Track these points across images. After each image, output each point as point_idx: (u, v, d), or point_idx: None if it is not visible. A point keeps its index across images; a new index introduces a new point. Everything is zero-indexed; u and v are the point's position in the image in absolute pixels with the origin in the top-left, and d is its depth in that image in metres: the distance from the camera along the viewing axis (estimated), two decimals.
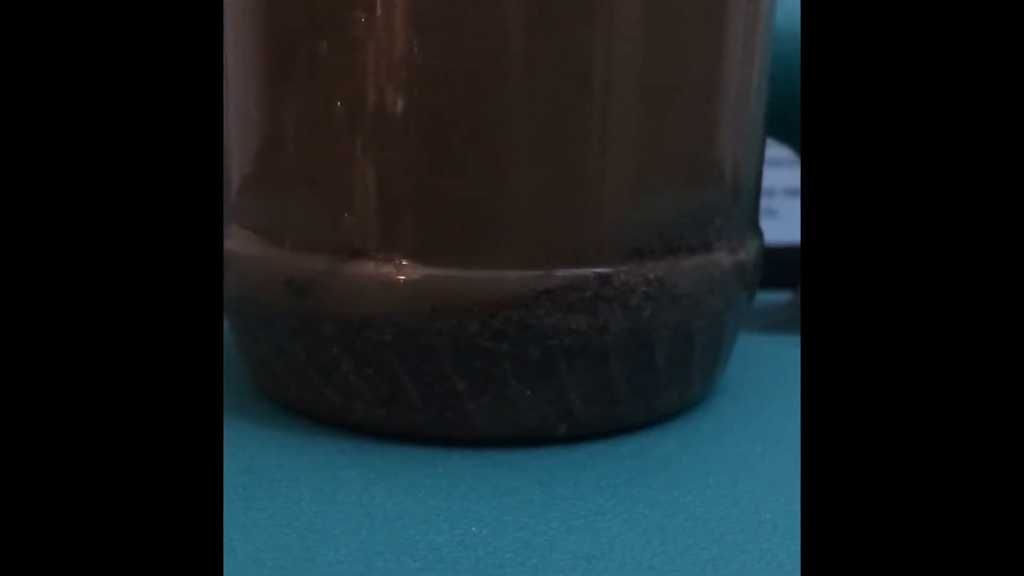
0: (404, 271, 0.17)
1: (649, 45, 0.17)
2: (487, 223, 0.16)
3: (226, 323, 0.19)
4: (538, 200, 0.16)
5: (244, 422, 0.18)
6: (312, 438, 0.18)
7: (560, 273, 0.17)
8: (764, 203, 0.40)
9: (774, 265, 0.38)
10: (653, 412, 0.18)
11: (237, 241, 0.18)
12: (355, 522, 0.15)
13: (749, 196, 0.19)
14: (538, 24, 0.16)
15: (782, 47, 0.26)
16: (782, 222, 0.40)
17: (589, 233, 0.17)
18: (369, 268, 0.17)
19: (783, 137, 0.28)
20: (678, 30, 0.17)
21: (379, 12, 0.16)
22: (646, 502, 0.16)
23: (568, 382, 0.17)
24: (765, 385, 0.21)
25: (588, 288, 0.17)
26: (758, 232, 0.20)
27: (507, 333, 0.17)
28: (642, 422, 0.18)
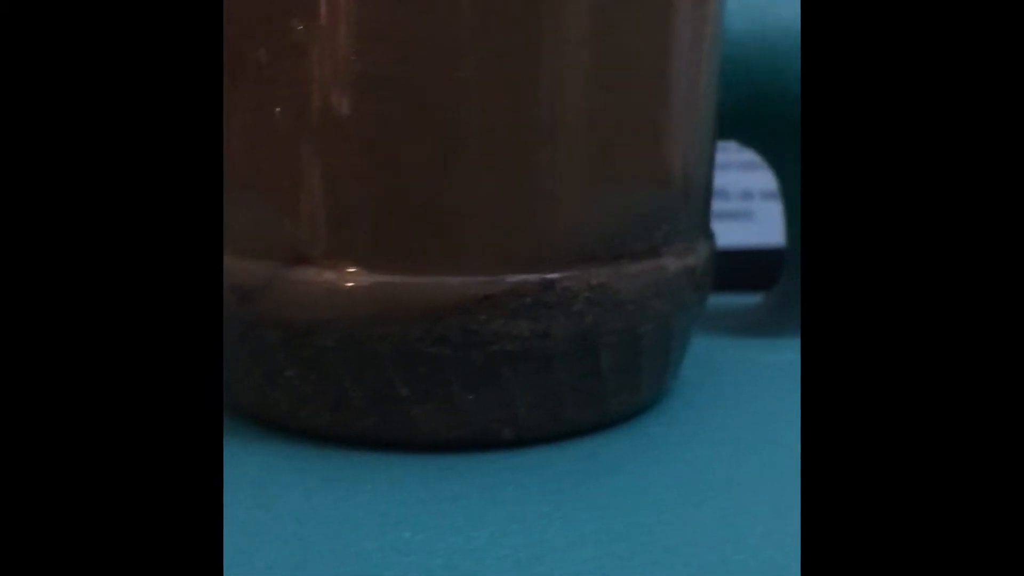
0: (347, 277, 0.17)
1: (595, 50, 0.17)
2: (430, 230, 0.16)
3: None
4: (481, 207, 0.16)
5: None
6: (259, 443, 0.18)
7: (502, 279, 0.17)
8: (741, 206, 0.40)
9: (751, 267, 0.39)
10: (601, 417, 0.19)
11: None
12: (289, 529, 0.15)
13: (699, 200, 0.19)
14: (482, 31, 0.16)
15: (746, 52, 0.26)
16: (759, 225, 0.40)
17: (532, 240, 0.17)
18: (312, 274, 0.17)
19: (749, 141, 0.28)
20: (624, 35, 0.17)
21: (320, 19, 0.16)
22: (586, 507, 0.16)
23: (512, 387, 0.17)
24: (723, 388, 0.21)
25: (529, 294, 0.17)
26: (709, 235, 0.20)
27: (449, 339, 0.17)
28: (590, 427, 0.18)
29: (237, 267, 0.17)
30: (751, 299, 0.31)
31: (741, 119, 0.26)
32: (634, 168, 0.18)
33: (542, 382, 0.17)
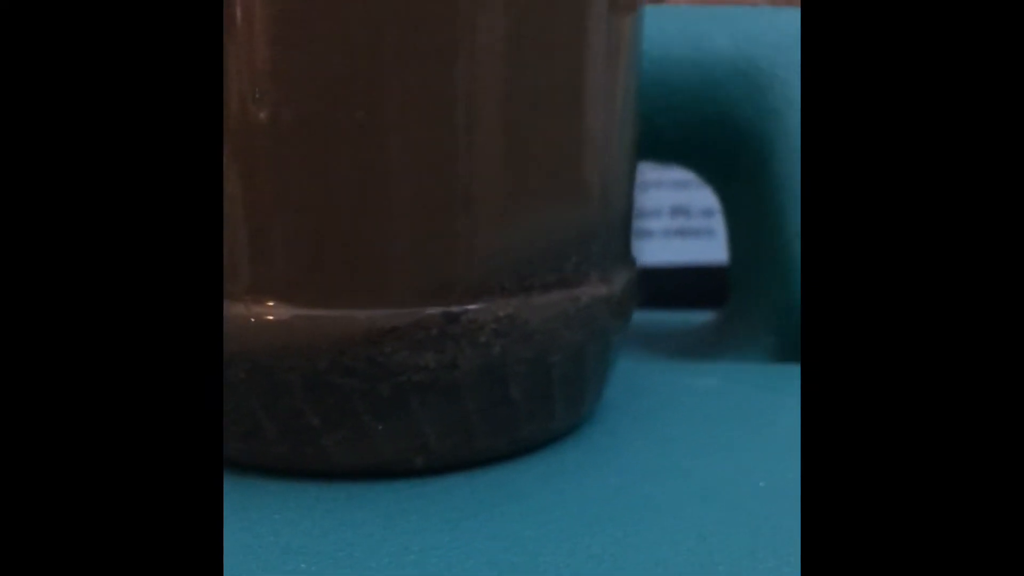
0: (255, 311, 0.17)
1: (508, 83, 0.17)
2: (334, 264, 0.17)
3: None
4: (389, 241, 0.17)
5: None
6: None
7: (406, 311, 0.17)
8: (703, 223, 0.40)
9: (711, 284, 0.39)
10: (514, 444, 0.19)
11: None
12: None
13: (616, 227, 0.20)
14: (394, 69, 0.16)
15: (685, 77, 0.26)
16: (720, 242, 0.40)
17: (439, 272, 0.17)
18: (227, 308, 0.17)
19: (692, 165, 0.28)
20: (538, 69, 0.17)
21: (237, 58, 0.17)
22: (486, 536, 0.16)
23: (421, 417, 0.18)
24: (646, 413, 0.21)
25: (434, 326, 0.17)
26: (629, 261, 0.21)
27: (357, 370, 0.17)
28: (503, 454, 0.19)
29: None
30: (706, 316, 0.32)
31: (682, 144, 0.27)
32: (546, 201, 0.18)
33: (451, 412, 0.18)
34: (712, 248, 0.40)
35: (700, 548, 0.16)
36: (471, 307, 0.17)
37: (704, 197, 0.40)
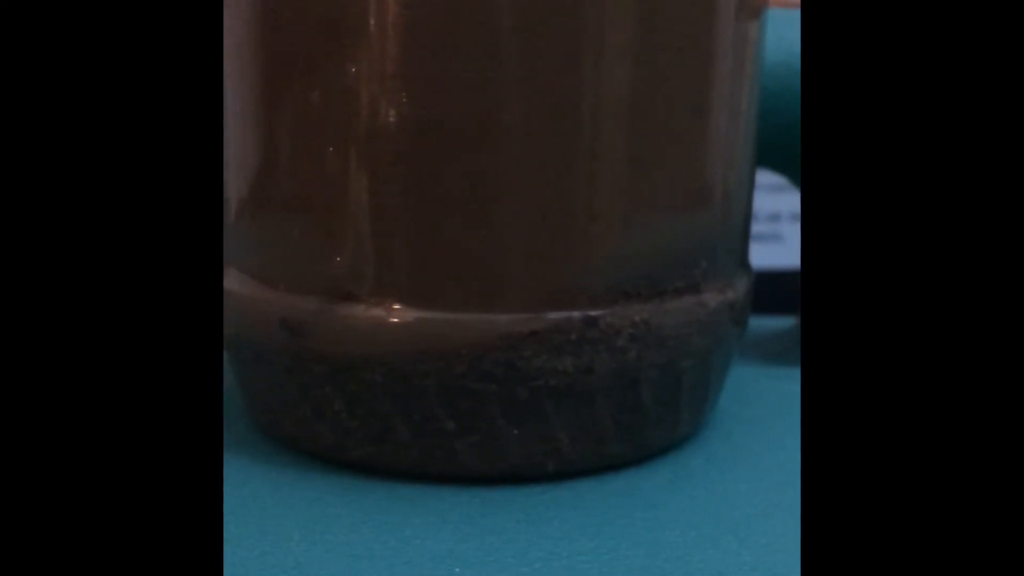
0: (394, 314, 0.17)
1: (633, 89, 0.17)
2: (475, 268, 0.17)
3: (225, 357, 0.20)
4: (525, 245, 0.17)
5: (240, 456, 0.19)
6: (305, 474, 0.18)
7: (546, 316, 0.17)
8: (769, 228, 0.40)
9: (779, 290, 0.39)
10: (641, 450, 0.19)
11: (233, 280, 0.19)
12: (341, 563, 0.15)
13: (737, 236, 0.19)
14: (523, 75, 0.16)
15: (778, 82, 0.26)
16: (787, 247, 0.40)
17: (575, 277, 0.17)
18: (360, 311, 0.17)
19: (782, 168, 0.28)
20: (663, 77, 0.17)
21: (369, 65, 0.16)
22: (629, 542, 0.16)
23: (555, 421, 0.17)
24: (758, 420, 0.21)
25: (574, 331, 0.17)
26: (747, 269, 0.20)
27: (494, 375, 0.17)
28: (630, 459, 0.19)
29: (286, 301, 0.18)
30: (781, 322, 0.32)
31: (773, 147, 0.27)
32: (674, 206, 0.18)
33: (584, 416, 0.18)
34: (779, 253, 0.40)
35: None
36: (609, 311, 0.17)
37: (771, 202, 0.40)
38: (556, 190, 0.17)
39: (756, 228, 0.41)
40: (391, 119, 0.17)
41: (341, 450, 0.18)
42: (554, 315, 0.17)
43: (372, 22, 0.17)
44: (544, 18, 0.16)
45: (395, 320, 0.17)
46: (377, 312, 0.17)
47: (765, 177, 0.36)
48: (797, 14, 0.27)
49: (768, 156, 0.27)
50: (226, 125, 0.18)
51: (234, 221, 0.19)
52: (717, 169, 0.18)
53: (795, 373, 0.25)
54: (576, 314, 0.17)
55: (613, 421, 0.18)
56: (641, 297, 0.17)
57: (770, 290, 0.40)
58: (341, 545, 0.16)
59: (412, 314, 0.17)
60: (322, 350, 0.17)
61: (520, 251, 0.17)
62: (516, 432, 0.17)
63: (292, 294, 0.18)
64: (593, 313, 0.17)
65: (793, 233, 0.40)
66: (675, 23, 0.17)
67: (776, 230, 0.40)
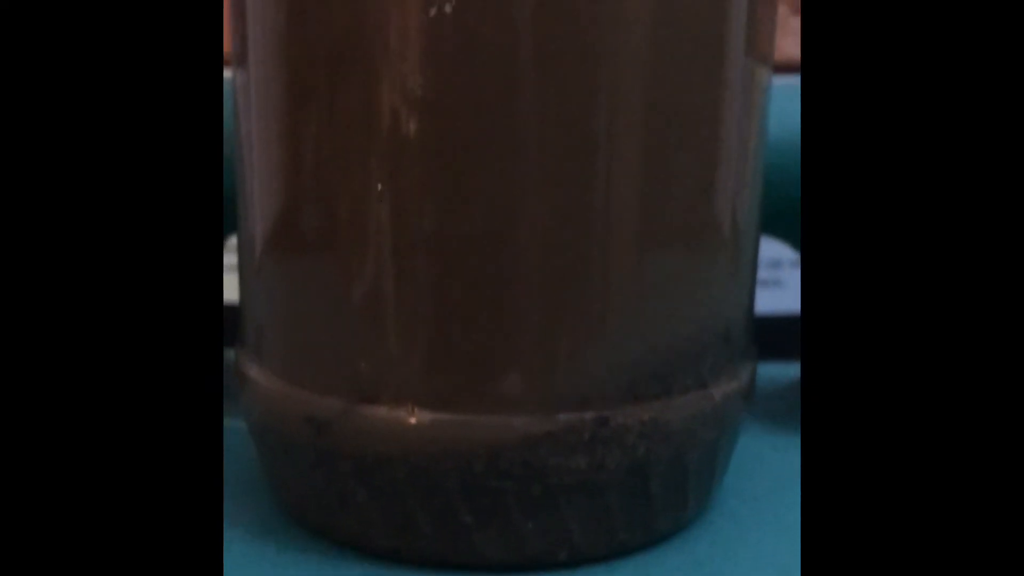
0: (415, 415, 0.18)
1: (643, 200, 0.18)
2: (491, 373, 0.18)
3: (253, 443, 0.21)
4: (539, 352, 0.18)
5: (265, 541, 0.20)
6: (328, 561, 0.19)
7: (561, 417, 0.18)
8: (770, 274, 0.41)
9: (780, 334, 0.39)
10: (650, 535, 0.20)
11: (262, 374, 0.19)
12: None
13: (742, 330, 0.20)
14: (536, 191, 0.17)
15: (781, 157, 0.27)
16: (788, 291, 0.41)
17: (588, 380, 0.18)
18: (383, 412, 0.18)
19: (782, 236, 0.29)
20: (671, 181, 0.18)
21: (391, 179, 0.17)
22: None
23: (568, 514, 0.18)
24: (762, 497, 0.22)
25: (586, 431, 0.18)
26: (752, 351, 0.21)
27: (511, 472, 0.18)
28: (639, 545, 0.20)
29: (314, 401, 0.18)
30: (784, 369, 0.32)
31: (776, 219, 0.27)
32: (683, 311, 0.19)
33: (596, 508, 0.19)
34: (780, 298, 0.41)
35: None
36: (619, 412, 0.18)
37: (770, 249, 0.40)
38: (570, 300, 0.18)
39: (759, 274, 0.42)
40: (412, 234, 0.17)
41: (365, 538, 0.19)
42: (567, 416, 0.18)
43: (392, 143, 0.17)
44: (558, 151, 0.17)
45: (415, 421, 0.18)
46: (399, 414, 0.18)
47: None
48: (788, 89, 0.28)
49: (771, 226, 0.28)
50: (254, 230, 0.19)
51: (264, 322, 0.20)
52: (724, 279, 0.19)
53: (796, 440, 0.26)
54: (588, 415, 0.18)
55: (623, 511, 0.19)
56: (650, 396, 0.18)
57: (772, 335, 0.41)
58: None
59: (432, 416, 0.18)
60: (347, 448, 0.18)
61: (534, 357, 0.18)
62: (531, 525, 0.18)
63: (318, 394, 0.18)
64: (605, 414, 0.18)
65: (793, 279, 0.40)
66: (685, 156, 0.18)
67: (777, 276, 0.41)
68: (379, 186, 0.17)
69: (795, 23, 0.38)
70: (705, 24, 0.18)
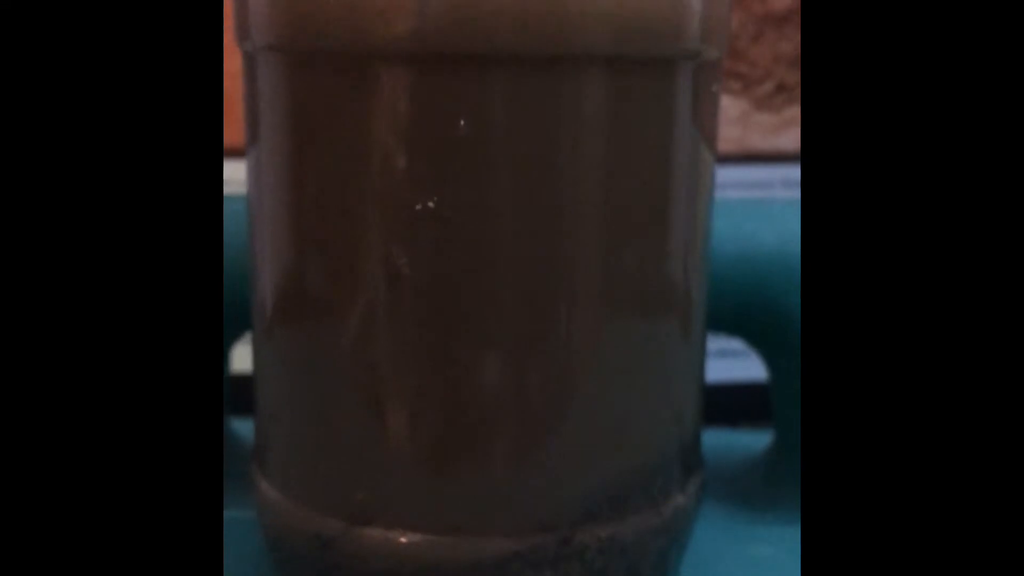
0: (406, 536, 0.21)
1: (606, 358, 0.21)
2: (469, 503, 0.21)
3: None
4: (510, 485, 0.21)
5: None
6: None
7: (527, 538, 0.21)
8: (735, 344, 0.44)
9: (745, 400, 0.42)
10: None
11: (272, 491, 0.23)
12: None
13: (689, 451, 0.23)
14: (511, 351, 0.20)
15: (736, 268, 0.30)
16: (752, 360, 0.44)
17: (552, 507, 0.21)
18: (377, 533, 0.21)
19: (742, 336, 0.32)
20: (628, 333, 0.21)
21: (383, 342, 0.20)
22: None
23: None
24: None
25: (551, 549, 0.21)
26: (699, 463, 0.24)
27: None
28: None
29: (319, 520, 0.22)
30: (751, 439, 0.35)
31: (734, 321, 0.31)
32: (635, 447, 0.22)
33: None
34: (744, 367, 0.44)
35: None
36: (579, 531, 0.21)
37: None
38: (535, 444, 0.21)
39: (730, 344, 0.45)
40: (392, 394, 0.21)
41: None
42: (534, 538, 0.21)
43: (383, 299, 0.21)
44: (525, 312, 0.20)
45: (405, 541, 0.21)
46: (392, 535, 0.21)
47: None
48: (757, 206, 0.31)
49: (729, 326, 0.31)
50: (259, 365, 0.22)
51: (271, 444, 0.23)
52: (672, 411, 0.22)
53: (759, 532, 0.29)
54: (551, 536, 0.21)
55: None
56: (606, 517, 0.21)
57: (736, 401, 0.44)
58: None
59: (420, 537, 0.21)
60: (348, 563, 0.21)
61: (506, 490, 0.21)
62: None
63: (324, 514, 0.22)
64: (567, 534, 0.21)
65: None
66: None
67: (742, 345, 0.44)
68: (363, 348, 0.20)
69: (758, 117, 0.41)
70: (655, 164, 0.21)
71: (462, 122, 0.19)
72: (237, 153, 0.24)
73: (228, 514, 0.24)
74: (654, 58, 0.21)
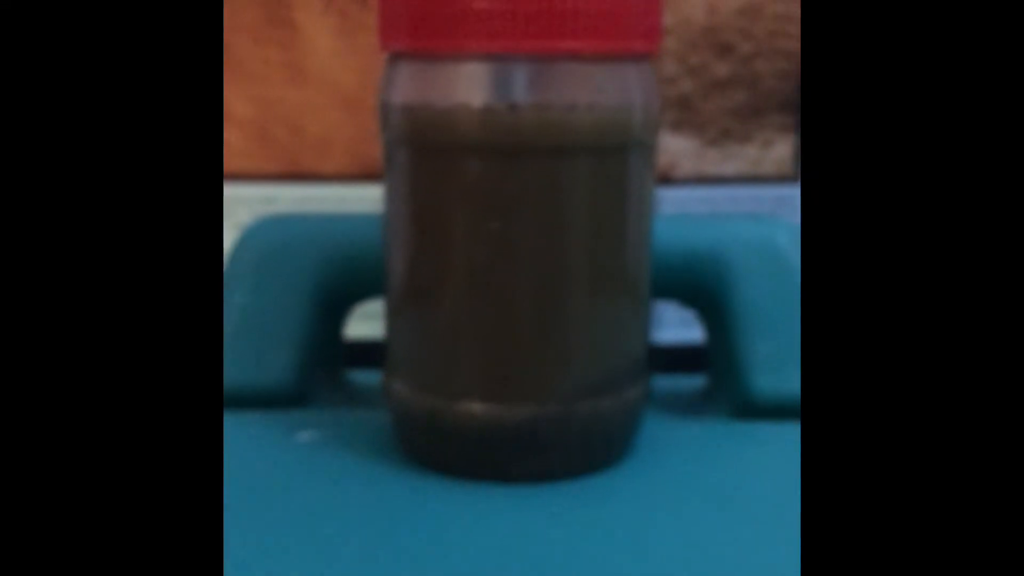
0: (480, 407, 0.38)
1: (591, 296, 0.38)
2: (513, 387, 0.38)
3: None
4: (536, 376, 0.38)
5: (398, 472, 0.39)
6: (430, 479, 0.39)
7: (547, 407, 0.37)
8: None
9: (695, 359, 0.58)
10: (594, 466, 0.39)
11: (400, 387, 0.40)
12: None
13: (641, 363, 0.40)
14: (531, 303, 0.37)
15: (679, 262, 0.47)
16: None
17: (559, 390, 0.38)
18: (463, 406, 0.38)
19: (685, 303, 0.49)
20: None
21: (454, 299, 0.38)
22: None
23: (552, 454, 0.38)
24: (660, 449, 0.42)
25: (560, 413, 0.38)
26: (647, 373, 0.41)
27: (522, 435, 0.38)
28: (591, 470, 0.39)
29: (429, 399, 0.38)
30: (689, 381, 0.52)
31: (677, 294, 0.47)
32: (608, 359, 0.38)
33: (566, 449, 0.38)
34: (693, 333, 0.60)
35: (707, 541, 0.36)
36: (576, 404, 0.38)
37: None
38: (553, 356, 0.37)
39: (680, 313, 0.61)
40: (470, 328, 0.37)
41: (449, 467, 0.39)
42: (550, 407, 0.37)
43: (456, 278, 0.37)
44: (541, 279, 0.37)
45: (480, 410, 0.38)
46: (473, 406, 0.38)
47: None
48: (695, 219, 0.48)
49: (676, 297, 0.48)
50: (391, 305, 0.40)
51: (405, 364, 0.40)
52: (629, 343, 0.39)
53: (692, 425, 0.45)
54: (561, 406, 0.37)
55: (580, 452, 0.39)
56: (592, 397, 0.38)
57: (688, 359, 0.60)
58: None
59: (487, 406, 0.38)
60: (448, 427, 0.38)
61: (535, 380, 0.37)
62: (531, 460, 0.38)
63: (432, 396, 0.38)
64: (570, 406, 0.38)
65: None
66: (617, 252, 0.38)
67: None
68: (454, 290, 0.37)
69: (708, 152, 0.58)
70: (616, 196, 0.38)
71: (507, 188, 0.36)
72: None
73: (357, 414, 0.42)
74: (618, 145, 0.37)
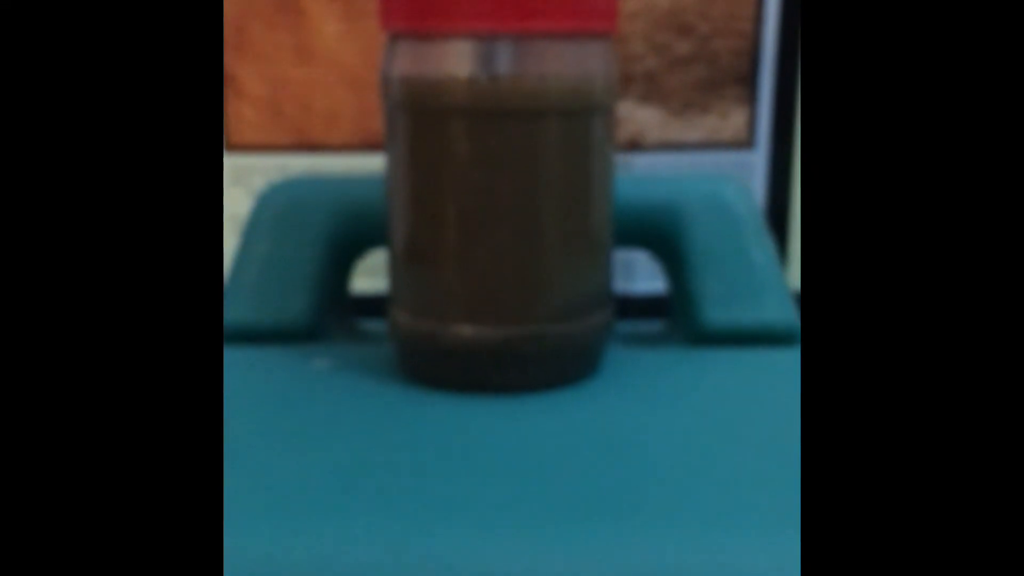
0: (467, 328, 0.45)
1: (564, 234, 0.45)
2: (497, 311, 0.45)
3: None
4: (515, 303, 0.45)
5: (400, 388, 0.47)
6: (429, 392, 0.46)
7: (525, 327, 0.45)
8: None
9: (655, 307, 0.66)
10: (570, 378, 0.46)
11: (402, 313, 0.47)
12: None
13: (605, 294, 0.47)
14: (513, 237, 0.45)
15: (639, 211, 0.54)
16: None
17: (536, 313, 0.45)
18: (454, 328, 0.45)
19: (645, 249, 0.56)
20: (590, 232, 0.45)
21: (449, 229, 0.45)
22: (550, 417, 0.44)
23: (531, 368, 0.45)
24: (628, 366, 0.49)
25: (535, 334, 0.45)
26: (611, 302, 0.48)
27: (507, 352, 0.45)
28: (566, 383, 0.46)
29: (426, 322, 0.46)
30: (650, 325, 0.59)
31: (637, 241, 0.54)
32: (578, 289, 0.45)
33: (542, 364, 0.45)
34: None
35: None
36: (548, 327, 0.45)
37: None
38: (528, 285, 0.45)
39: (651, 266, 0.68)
40: (461, 263, 0.45)
41: (443, 381, 0.46)
42: (527, 328, 0.45)
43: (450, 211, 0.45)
44: (523, 216, 0.44)
45: (469, 331, 0.45)
46: (462, 328, 0.45)
47: None
48: (652, 177, 0.55)
49: (635, 243, 0.55)
50: (394, 248, 0.47)
51: (406, 293, 0.47)
52: (596, 278, 0.46)
53: (649, 354, 0.52)
54: (536, 327, 0.45)
55: (555, 366, 0.46)
56: (562, 321, 0.45)
57: (648, 307, 0.67)
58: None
59: (474, 328, 0.45)
60: (442, 345, 0.45)
61: (514, 306, 0.45)
62: (512, 371, 0.45)
63: (429, 319, 0.45)
64: (544, 327, 0.45)
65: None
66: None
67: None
68: (446, 233, 0.44)
69: (672, 122, 0.66)
70: (581, 153, 0.45)
71: (490, 146, 0.43)
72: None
73: (364, 348, 0.48)
74: (583, 109, 0.44)
